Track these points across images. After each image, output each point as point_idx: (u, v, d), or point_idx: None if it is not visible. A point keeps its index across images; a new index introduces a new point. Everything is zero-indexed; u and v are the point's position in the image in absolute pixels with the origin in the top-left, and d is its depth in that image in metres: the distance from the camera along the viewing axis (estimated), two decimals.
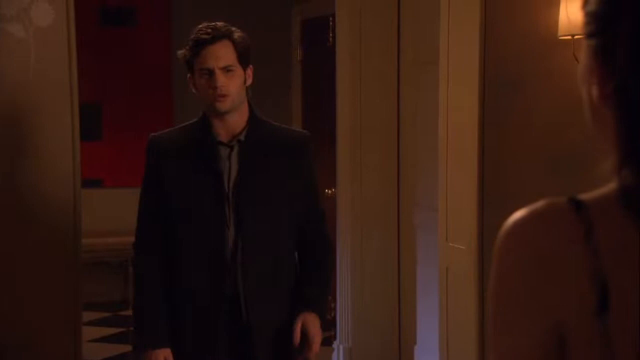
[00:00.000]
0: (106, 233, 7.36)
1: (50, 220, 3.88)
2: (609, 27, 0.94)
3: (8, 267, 3.80)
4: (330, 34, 5.92)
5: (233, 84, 2.74)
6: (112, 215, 7.42)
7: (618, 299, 0.91)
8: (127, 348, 6.10)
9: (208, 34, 2.73)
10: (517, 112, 3.72)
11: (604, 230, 0.93)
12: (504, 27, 3.69)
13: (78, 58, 3.94)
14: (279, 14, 7.20)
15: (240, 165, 2.78)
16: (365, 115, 5.28)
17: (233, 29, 2.79)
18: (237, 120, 2.80)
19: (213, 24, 2.78)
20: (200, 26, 2.78)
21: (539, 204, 0.97)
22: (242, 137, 2.80)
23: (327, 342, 5.59)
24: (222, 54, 2.73)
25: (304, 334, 2.74)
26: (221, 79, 2.72)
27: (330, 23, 5.89)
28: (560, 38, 3.58)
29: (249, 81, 2.83)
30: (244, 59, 2.78)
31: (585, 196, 0.96)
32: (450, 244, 3.92)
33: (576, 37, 3.48)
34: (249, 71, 2.82)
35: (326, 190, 5.47)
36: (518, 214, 0.97)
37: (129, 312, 7.15)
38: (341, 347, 5.35)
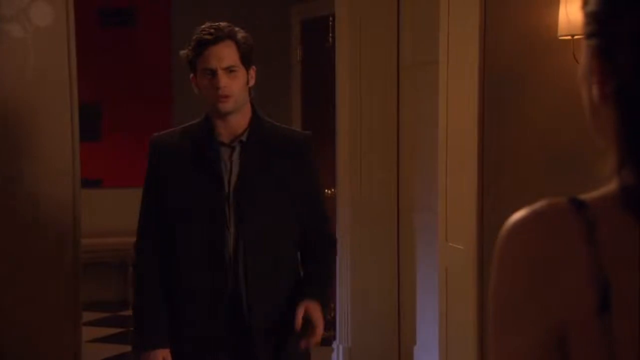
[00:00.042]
0: (105, 233, 7.36)
1: (50, 220, 3.88)
2: (609, 27, 0.94)
3: (8, 267, 3.80)
4: (330, 34, 5.93)
5: (236, 85, 2.74)
6: (111, 216, 7.42)
7: (619, 299, 0.91)
8: (127, 348, 6.10)
9: (211, 34, 2.72)
10: (516, 112, 3.72)
11: (604, 230, 0.93)
12: (503, 27, 3.69)
13: (77, 58, 3.94)
14: (279, 14, 7.21)
15: (242, 166, 2.77)
16: (365, 116, 5.29)
17: (236, 29, 2.78)
18: (239, 120, 2.80)
19: (216, 24, 2.77)
20: (203, 26, 2.77)
21: (540, 204, 0.97)
22: (243, 138, 2.79)
23: (327, 342, 5.59)
24: (225, 55, 2.72)
25: (306, 321, 2.71)
26: (224, 79, 2.71)
27: (330, 23, 5.90)
28: (560, 38, 3.58)
29: (252, 82, 2.82)
30: (246, 60, 2.77)
31: (585, 196, 0.96)
32: (450, 244, 3.92)
33: (576, 37, 3.48)
34: (252, 72, 2.81)
35: (326, 190, 5.47)
36: (518, 214, 0.97)
37: (129, 312, 7.15)
38: (341, 347, 5.35)
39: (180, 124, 3.01)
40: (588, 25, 0.97)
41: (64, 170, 3.90)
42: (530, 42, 3.69)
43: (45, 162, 3.86)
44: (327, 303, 2.87)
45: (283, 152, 2.82)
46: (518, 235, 0.96)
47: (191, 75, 2.80)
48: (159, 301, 2.81)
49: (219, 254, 2.74)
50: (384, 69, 5.27)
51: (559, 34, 3.58)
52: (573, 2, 3.47)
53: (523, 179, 3.68)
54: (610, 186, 0.95)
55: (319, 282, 2.85)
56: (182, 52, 2.80)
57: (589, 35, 0.97)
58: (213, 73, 2.72)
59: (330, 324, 5.42)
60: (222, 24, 2.77)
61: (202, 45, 2.72)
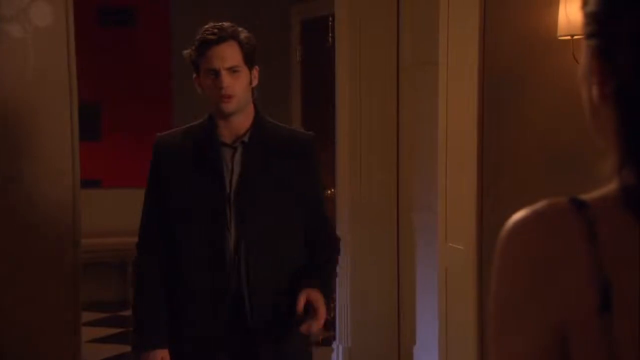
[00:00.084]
0: (105, 233, 7.36)
1: (50, 220, 3.88)
2: (609, 27, 0.94)
3: (8, 267, 3.80)
4: (330, 34, 5.93)
5: (239, 85, 2.73)
6: (111, 216, 7.43)
7: (620, 299, 0.91)
8: (127, 348, 6.09)
9: (214, 34, 2.71)
10: (516, 113, 3.72)
11: (605, 230, 0.93)
12: (503, 28, 3.69)
13: (77, 58, 3.94)
14: (279, 14, 7.21)
15: (243, 166, 2.77)
16: (365, 116, 5.29)
17: (239, 29, 2.77)
18: (242, 121, 2.79)
19: (219, 24, 2.76)
20: (207, 26, 2.76)
21: (540, 204, 0.97)
22: (245, 139, 2.79)
23: (327, 342, 5.59)
24: (228, 55, 2.71)
25: (307, 307, 2.68)
26: (227, 79, 2.71)
27: (330, 23, 5.90)
28: (560, 38, 3.58)
29: (255, 82, 2.81)
30: (249, 60, 2.76)
31: (586, 196, 0.96)
32: (450, 245, 3.92)
33: (575, 37, 3.48)
34: (255, 72, 2.80)
35: (326, 191, 5.47)
36: (519, 215, 0.97)
37: (128, 312, 7.16)
38: (340, 347, 5.35)
39: (180, 124, 3.01)
40: (588, 25, 0.97)
41: (63, 170, 3.90)
42: (529, 42, 3.69)
43: (45, 162, 3.86)
44: (329, 297, 2.83)
45: (285, 153, 2.81)
46: (519, 235, 0.96)
47: (194, 75, 2.80)
48: (158, 301, 2.81)
49: (219, 254, 2.74)
50: (383, 69, 5.27)
51: (558, 34, 3.58)
52: (572, 3, 3.47)
53: (523, 180, 3.68)
54: (611, 186, 0.95)
55: (320, 277, 2.82)
56: (185, 52, 2.79)
57: (588, 36, 0.97)
58: (216, 73, 2.71)
59: (330, 324, 5.43)
60: (226, 24, 2.77)
61: (205, 45, 2.72)
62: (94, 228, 6.85)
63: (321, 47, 6.30)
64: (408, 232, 5.22)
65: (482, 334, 3.66)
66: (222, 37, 2.72)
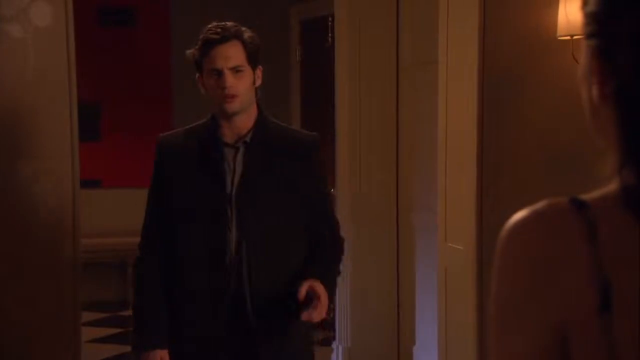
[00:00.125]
0: (105, 233, 7.36)
1: (49, 220, 3.88)
2: (609, 27, 0.94)
3: (7, 267, 3.80)
4: (330, 35, 5.93)
5: (242, 85, 2.72)
6: (111, 216, 7.43)
7: (620, 299, 0.91)
8: (126, 348, 6.08)
9: (217, 33, 2.70)
10: (516, 113, 3.72)
11: (605, 230, 0.93)
12: (502, 27, 3.69)
13: (77, 58, 3.94)
14: (278, 14, 7.21)
15: (245, 166, 2.76)
16: (365, 116, 5.29)
17: (243, 29, 2.76)
18: (245, 121, 2.78)
19: (223, 23, 2.75)
20: (210, 26, 2.75)
21: (541, 204, 0.97)
22: (247, 139, 2.77)
23: (326, 342, 5.59)
24: (232, 54, 2.70)
25: (309, 297, 2.63)
26: (230, 79, 2.69)
27: (330, 23, 5.90)
28: (559, 38, 3.59)
29: (259, 82, 2.80)
30: (253, 60, 2.75)
31: (586, 196, 0.97)
32: (449, 245, 3.92)
33: (575, 37, 3.48)
34: (259, 72, 2.79)
35: None
36: (519, 215, 0.97)
37: (128, 313, 7.15)
38: (340, 347, 5.35)
39: (180, 124, 3.01)
40: (588, 25, 0.97)
41: (63, 170, 3.90)
42: (529, 42, 3.69)
43: (44, 162, 3.86)
44: (332, 292, 2.79)
45: (289, 154, 2.79)
46: (519, 236, 0.96)
47: (197, 75, 2.79)
48: (159, 301, 2.81)
49: (219, 255, 2.73)
50: (383, 69, 5.27)
51: (558, 34, 3.58)
52: (572, 3, 3.47)
53: (522, 180, 3.69)
54: (611, 186, 0.96)
55: (324, 271, 2.77)
56: (188, 52, 2.78)
57: (588, 36, 0.97)
58: (219, 73, 2.70)
59: (329, 324, 5.43)
60: (229, 23, 2.75)
61: (209, 45, 2.70)
62: (93, 228, 6.85)
63: (321, 47, 6.30)
64: (408, 231, 5.22)
65: (482, 334, 3.66)
66: (226, 37, 2.70)
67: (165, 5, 7.83)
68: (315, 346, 2.76)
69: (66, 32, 3.88)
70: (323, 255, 2.84)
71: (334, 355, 5.41)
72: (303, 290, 2.61)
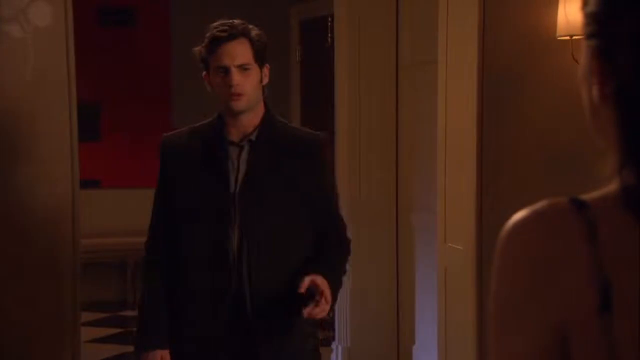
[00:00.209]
0: (105, 233, 7.36)
1: (49, 220, 3.88)
2: (609, 27, 0.94)
3: (7, 267, 3.80)
4: (329, 35, 5.93)
5: (249, 83, 2.70)
6: (110, 216, 7.43)
7: (620, 299, 0.91)
8: (126, 348, 6.10)
9: (224, 31, 2.69)
10: (515, 112, 3.72)
11: (605, 230, 0.93)
12: (502, 27, 3.70)
13: (76, 58, 3.94)
14: (278, 14, 7.21)
15: (249, 165, 2.74)
16: (364, 115, 5.29)
17: (250, 26, 2.74)
18: (251, 119, 2.76)
19: (230, 21, 2.73)
20: (217, 23, 2.73)
21: (541, 204, 0.97)
22: (252, 137, 2.76)
23: (326, 342, 5.59)
24: (238, 52, 2.69)
25: (310, 293, 2.58)
26: (237, 77, 2.68)
27: (329, 23, 5.90)
28: (559, 38, 3.59)
29: (266, 80, 2.79)
30: (260, 58, 2.74)
31: (586, 196, 0.97)
32: (449, 245, 3.92)
33: (575, 37, 3.49)
34: (266, 70, 2.78)
35: None
36: (519, 215, 0.97)
37: (128, 313, 7.17)
38: (340, 347, 5.35)
39: (179, 124, 3.00)
40: (588, 25, 0.97)
41: (62, 171, 3.90)
42: (529, 42, 3.70)
43: (44, 163, 3.86)
44: (336, 289, 2.73)
45: (293, 152, 2.77)
46: (519, 236, 0.96)
47: (204, 73, 2.77)
48: (159, 301, 2.81)
49: (222, 254, 2.72)
50: (382, 68, 5.27)
51: (557, 34, 3.59)
52: (572, 3, 3.47)
53: (522, 179, 3.69)
54: (611, 186, 0.96)
55: (328, 267, 2.73)
56: (195, 49, 2.76)
57: (588, 36, 0.97)
58: (226, 71, 2.68)
59: (328, 324, 5.43)
60: (236, 21, 2.74)
61: (216, 43, 2.69)
62: (93, 228, 6.85)
63: (320, 47, 6.31)
64: (407, 231, 5.22)
65: (481, 334, 3.66)
66: (233, 35, 2.69)
67: (165, 5, 7.83)
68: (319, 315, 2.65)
69: (66, 32, 3.88)
70: (327, 253, 2.80)
71: (333, 355, 5.41)
72: (305, 284, 2.57)
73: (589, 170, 0.99)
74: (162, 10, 7.82)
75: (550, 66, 3.69)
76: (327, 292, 2.58)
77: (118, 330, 6.76)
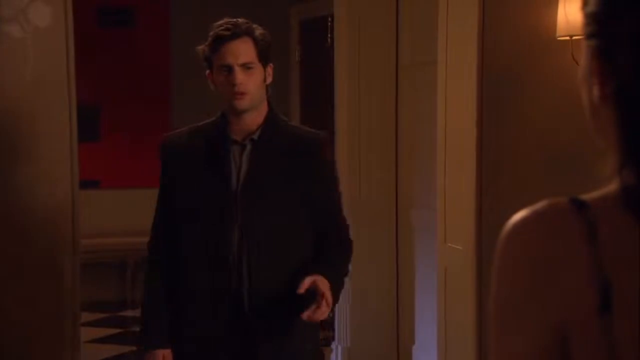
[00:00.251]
0: (104, 234, 7.36)
1: (49, 221, 3.88)
2: (609, 27, 0.94)
3: (7, 268, 3.80)
4: (329, 35, 5.93)
5: (252, 82, 2.69)
6: (110, 216, 7.43)
7: (620, 299, 0.91)
8: (126, 349, 6.10)
9: (228, 30, 2.68)
10: (515, 113, 3.72)
11: (605, 230, 0.93)
12: (502, 27, 3.70)
13: (76, 59, 3.94)
14: (278, 14, 7.21)
15: (251, 164, 2.73)
16: (364, 115, 5.29)
17: (254, 25, 2.74)
18: (254, 118, 2.75)
19: (234, 20, 2.72)
20: (220, 22, 2.73)
21: (541, 205, 0.97)
22: (255, 136, 2.75)
23: (326, 342, 5.59)
24: (242, 51, 2.68)
25: (311, 295, 2.57)
26: (240, 76, 2.67)
27: (329, 23, 5.90)
28: (559, 39, 3.59)
29: (269, 79, 2.78)
30: (264, 57, 2.72)
31: (586, 196, 0.97)
32: (449, 245, 3.92)
33: (574, 37, 3.49)
34: (269, 69, 2.77)
35: None
36: (519, 215, 0.97)
37: (127, 313, 7.17)
38: (339, 347, 5.35)
39: (179, 124, 3.00)
40: (588, 26, 0.98)
41: (62, 171, 3.90)
42: (528, 42, 3.70)
43: (43, 163, 3.86)
44: (338, 290, 2.71)
45: (295, 152, 2.76)
46: (519, 236, 0.96)
47: (207, 72, 2.76)
48: (161, 301, 2.81)
49: (222, 254, 2.71)
50: (382, 69, 5.27)
51: (557, 34, 3.59)
52: (572, 3, 3.47)
53: (522, 179, 3.69)
54: (611, 186, 0.96)
55: (330, 268, 2.72)
56: (198, 48, 2.75)
57: (588, 36, 0.97)
58: (229, 69, 2.68)
59: (328, 324, 5.43)
60: (240, 20, 2.73)
61: (219, 41, 2.68)
62: (93, 228, 6.85)
63: (320, 48, 6.31)
64: (407, 231, 5.22)
65: (481, 334, 3.66)
66: (236, 33, 2.68)
67: (165, 5, 7.83)
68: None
69: (65, 33, 3.88)
70: (327, 253, 2.79)
71: (333, 355, 5.41)
72: (305, 285, 2.56)
73: (589, 170, 0.99)
74: (162, 10, 7.82)
75: (550, 66, 3.69)
76: (328, 293, 2.57)
77: (118, 330, 6.75)
